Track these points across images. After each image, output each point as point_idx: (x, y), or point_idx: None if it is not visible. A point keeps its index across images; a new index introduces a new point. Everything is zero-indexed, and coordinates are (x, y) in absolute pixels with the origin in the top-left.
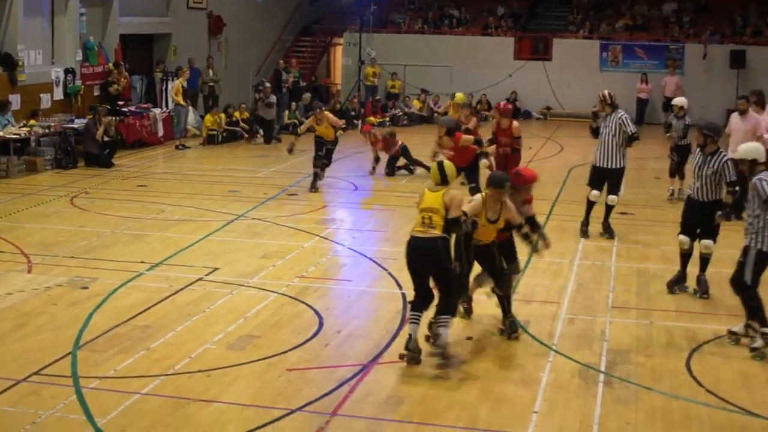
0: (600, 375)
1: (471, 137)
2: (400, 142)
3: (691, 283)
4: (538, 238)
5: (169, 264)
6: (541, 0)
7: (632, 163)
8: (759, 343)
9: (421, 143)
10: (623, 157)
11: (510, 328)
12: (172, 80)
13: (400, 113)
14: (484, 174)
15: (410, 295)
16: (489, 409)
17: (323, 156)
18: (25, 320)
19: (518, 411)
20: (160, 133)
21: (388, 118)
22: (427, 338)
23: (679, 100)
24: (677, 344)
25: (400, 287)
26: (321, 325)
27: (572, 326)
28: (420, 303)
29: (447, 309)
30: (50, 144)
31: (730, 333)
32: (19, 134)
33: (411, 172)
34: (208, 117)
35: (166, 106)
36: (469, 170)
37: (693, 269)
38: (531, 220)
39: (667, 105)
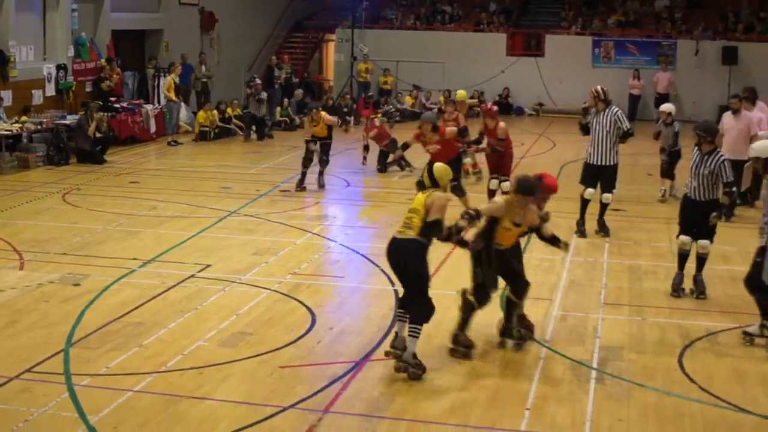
0: (592, 372)
1: (455, 128)
2: (392, 136)
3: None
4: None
5: (161, 261)
6: None
7: (625, 160)
8: None
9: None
10: (617, 153)
11: (519, 336)
12: (164, 76)
13: (393, 109)
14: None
15: (401, 291)
16: (481, 405)
17: (321, 153)
18: (17, 317)
19: (510, 407)
20: (153, 129)
21: (380, 115)
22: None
23: (666, 107)
24: (669, 341)
25: (392, 284)
26: (313, 322)
27: (564, 323)
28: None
29: (415, 317)
30: (42, 140)
31: (745, 334)
32: (10, 130)
33: (402, 168)
34: (201, 113)
35: (158, 102)
36: (451, 166)
37: (688, 267)
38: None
39: (659, 101)
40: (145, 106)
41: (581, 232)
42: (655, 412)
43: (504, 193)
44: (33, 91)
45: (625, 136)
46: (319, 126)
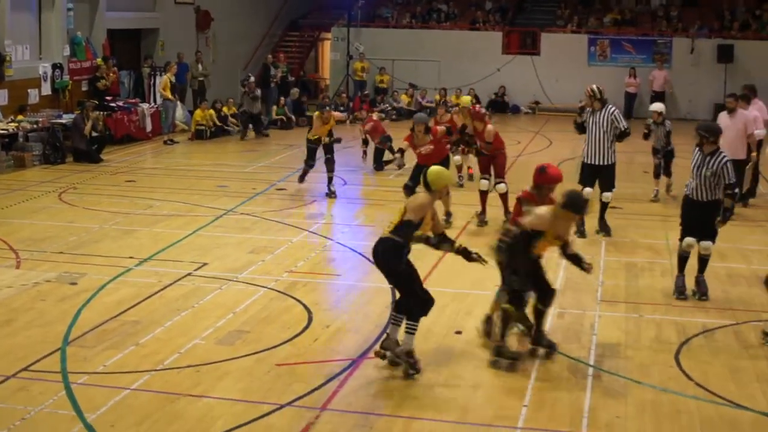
0: (589, 369)
1: (443, 128)
2: (386, 133)
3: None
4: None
5: (157, 259)
6: None
7: (621, 157)
8: None
9: None
10: (614, 152)
11: (549, 344)
12: (160, 75)
13: (389, 108)
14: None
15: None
16: (479, 403)
17: (326, 152)
18: (13, 316)
19: (508, 405)
20: (149, 128)
21: (377, 112)
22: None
23: (656, 106)
24: (666, 338)
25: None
26: (310, 320)
27: (561, 320)
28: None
29: (409, 314)
30: (38, 139)
31: (765, 334)
32: (6, 130)
33: (399, 167)
34: (198, 112)
35: (155, 101)
36: (440, 165)
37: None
38: None
39: (655, 99)
40: (141, 105)
41: (581, 232)
42: (652, 409)
43: (501, 195)
44: (29, 91)
45: (621, 136)
46: (329, 125)
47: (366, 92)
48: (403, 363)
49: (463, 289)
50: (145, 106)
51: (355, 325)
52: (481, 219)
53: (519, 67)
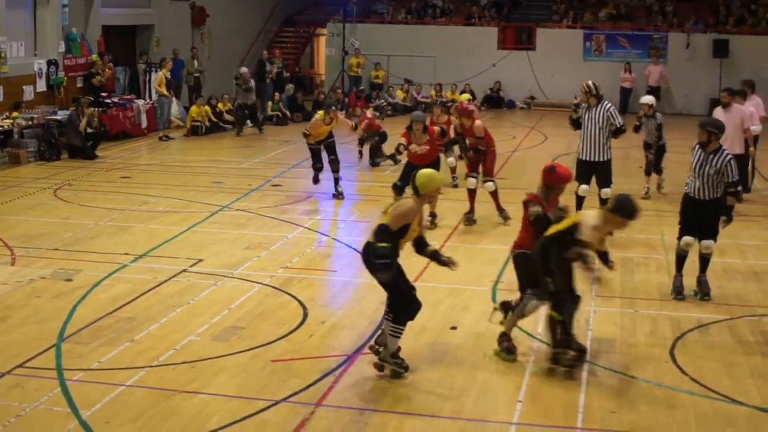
0: (584, 364)
1: (438, 128)
2: (381, 129)
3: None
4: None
5: (153, 255)
6: None
7: (616, 153)
8: None
9: None
10: (609, 149)
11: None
12: (156, 71)
13: (384, 104)
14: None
15: None
16: (473, 398)
17: (329, 154)
18: (8, 313)
19: (503, 400)
20: (144, 124)
21: (371, 109)
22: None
23: (647, 99)
24: (661, 333)
25: None
26: (305, 316)
27: None
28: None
29: (394, 318)
30: (33, 136)
31: None
32: (2, 126)
33: (396, 162)
34: (193, 108)
35: (150, 97)
36: (431, 166)
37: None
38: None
39: (650, 94)
40: (136, 101)
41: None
42: (647, 404)
43: (492, 193)
44: (24, 87)
45: (617, 132)
46: (331, 126)
47: (361, 88)
48: (390, 365)
49: (459, 285)
50: (140, 102)
51: (350, 321)
52: (469, 218)
53: (514, 63)
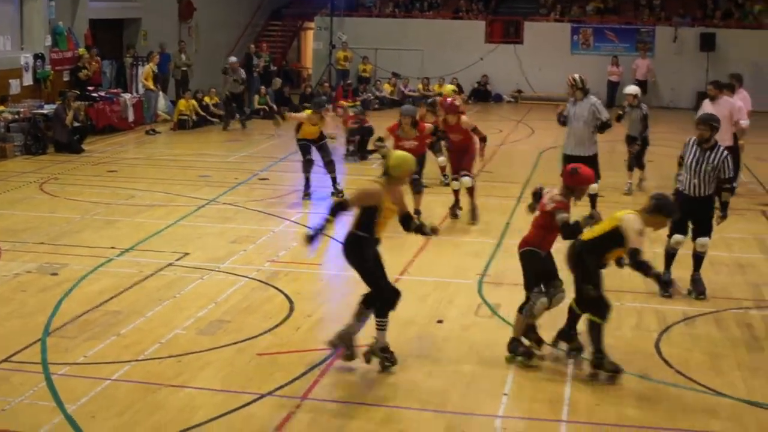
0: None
1: (431, 126)
2: (368, 123)
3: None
4: None
5: (139, 249)
6: None
7: (603, 147)
8: None
9: None
10: (594, 143)
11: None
12: (143, 65)
13: (372, 97)
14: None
15: None
16: (459, 392)
17: (323, 155)
18: None
19: (488, 393)
20: (131, 118)
21: (359, 103)
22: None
23: (631, 89)
24: (647, 325)
25: None
26: (292, 309)
27: None
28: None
29: (377, 311)
30: (19, 130)
31: None
32: None
33: (385, 156)
34: (181, 102)
35: (137, 91)
36: (417, 162)
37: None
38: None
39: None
40: (123, 95)
41: None
42: (633, 396)
43: (468, 189)
44: (10, 81)
45: (603, 127)
46: (320, 125)
47: (349, 81)
48: (380, 359)
49: (445, 278)
50: (127, 96)
51: (336, 314)
52: (454, 211)
53: (502, 56)
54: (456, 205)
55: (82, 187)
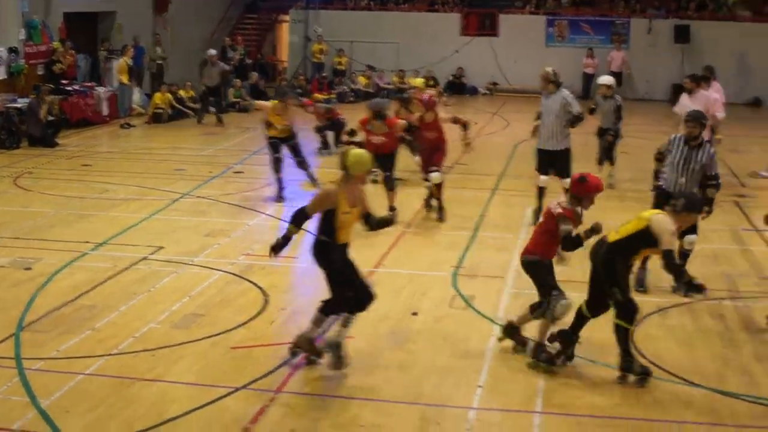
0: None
1: (404, 122)
2: (338, 118)
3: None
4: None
5: (113, 243)
6: None
7: (578, 139)
8: None
9: None
10: (567, 137)
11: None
12: (117, 59)
13: (347, 90)
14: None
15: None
16: (433, 383)
17: (295, 156)
18: None
19: (463, 385)
20: (105, 112)
21: (334, 95)
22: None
23: (606, 79)
24: None
25: None
26: (266, 303)
27: (517, 301)
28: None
29: (328, 308)
30: None
31: None
32: None
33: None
34: (157, 95)
35: (111, 84)
36: (387, 158)
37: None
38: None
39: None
40: (97, 88)
41: (536, 221)
42: (607, 388)
43: (437, 185)
44: None
45: (574, 120)
46: (287, 117)
47: (324, 74)
48: (331, 354)
49: (419, 271)
50: (101, 89)
51: (310, 307)
52: (428, 203)
53: (477, 49)
54: (431, 198)
55: (56, 181)
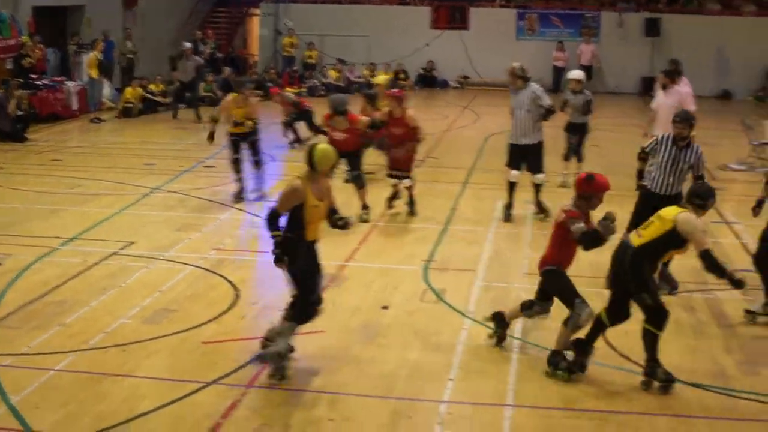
0: (515, 342)
1: (368, 119)
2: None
3: None
4: None
5: (84, 239)
6: None
7: (550, 132)
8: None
9: None
10: (539, 131)
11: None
12: (87, 53)
13: (318, 84)
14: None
15: (325, 266)
16: (404, 377)
17: (252, 153)
18: None
19: (434, 378)
20: (75, 106)
21: (305, 89)
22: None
23: (576, 74)
24: (594, 309)
25: None
26: (237, 297)
27: (488, 294)
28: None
29: (290, 315)
30: None
31: (747, 312)
32: None
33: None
34: (128, 89)
35: (81, 79)
36: (352, 156)
37: None
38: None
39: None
40: (67, 83)
41: (507, 216)
42: (578, 381)
43: (407, 188)
44: None
45: (547, 114)
46: (246, 109)
47: (295, 68)
48: (270, 362)
49: (390, 265)
50: (71, 84)
51: (281, 302)
52: (390, 205)
53: (448, 42)
54: (394, 197)
55: (26, 176)
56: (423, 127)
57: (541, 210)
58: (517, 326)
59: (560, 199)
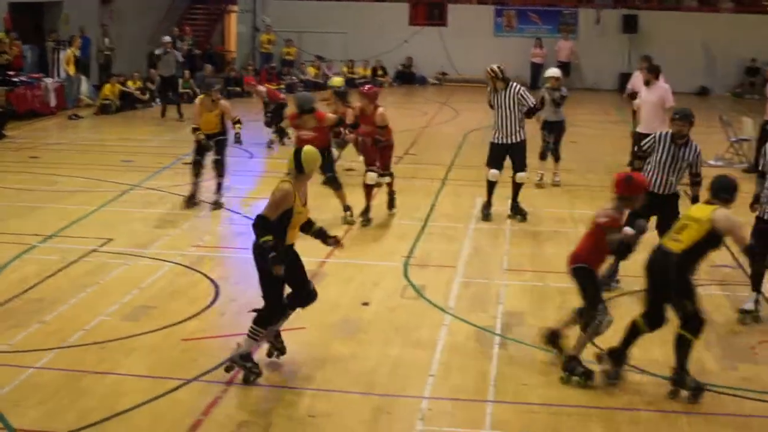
0: (495, 337)
1: (335, 116)
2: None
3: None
4: None
5: (62, 236)
6: None
7: (530, 129)
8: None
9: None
10: (522, 129)
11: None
12: (65, 49)
13: (296, 80)
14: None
15: (306, 262)
16: (385, 373)
17: (216, 152)
18: None
19: (414, 375)
20: (53, 103)
21: (283, 86)
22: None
23: (553, 71)
24: (571, 305)
25: None
26: (217, 294)
27: (467, 290)
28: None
29: (256, 318)
30: None
31: (742, 312)
32: None
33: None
34: (107, 86)
35: (58, 75)
36: (322, 157)
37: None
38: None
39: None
40: (44, 79)
41: (485, 215)
42: (558, 377)
43: (389, 185)
44: None
45: (531, 112)
46: (216, 112)
47: (273, 65)
48: (239, 367)
49: (371, 261)
50: (48, 80)
51: (261, 299)
52: (366, 217)
53: (426, 39)
54: (368, 210)
55: (4, 173)
56: (393, 127)
57: (518, 212)
58: (497, 322)
59: (536, 199)
